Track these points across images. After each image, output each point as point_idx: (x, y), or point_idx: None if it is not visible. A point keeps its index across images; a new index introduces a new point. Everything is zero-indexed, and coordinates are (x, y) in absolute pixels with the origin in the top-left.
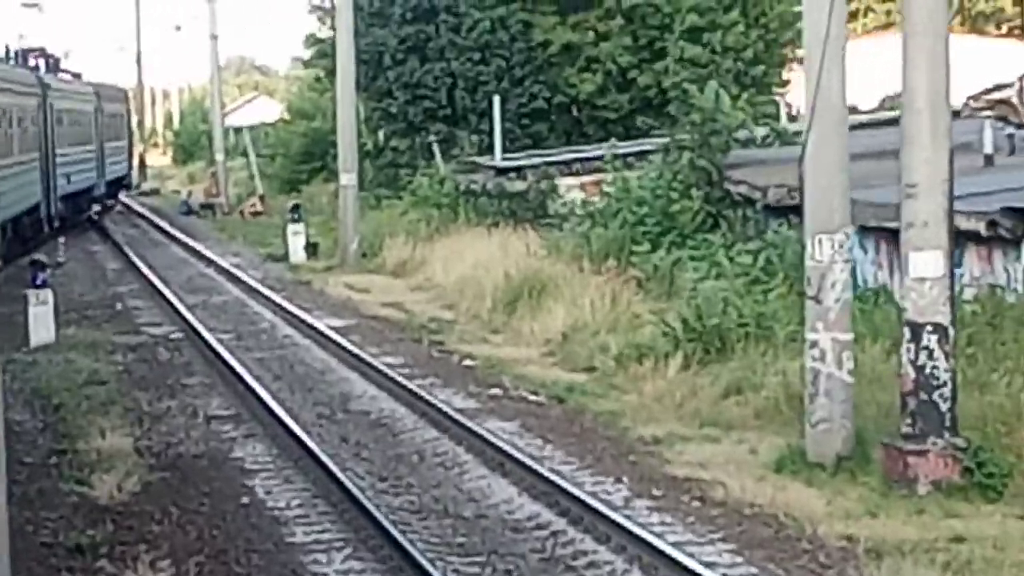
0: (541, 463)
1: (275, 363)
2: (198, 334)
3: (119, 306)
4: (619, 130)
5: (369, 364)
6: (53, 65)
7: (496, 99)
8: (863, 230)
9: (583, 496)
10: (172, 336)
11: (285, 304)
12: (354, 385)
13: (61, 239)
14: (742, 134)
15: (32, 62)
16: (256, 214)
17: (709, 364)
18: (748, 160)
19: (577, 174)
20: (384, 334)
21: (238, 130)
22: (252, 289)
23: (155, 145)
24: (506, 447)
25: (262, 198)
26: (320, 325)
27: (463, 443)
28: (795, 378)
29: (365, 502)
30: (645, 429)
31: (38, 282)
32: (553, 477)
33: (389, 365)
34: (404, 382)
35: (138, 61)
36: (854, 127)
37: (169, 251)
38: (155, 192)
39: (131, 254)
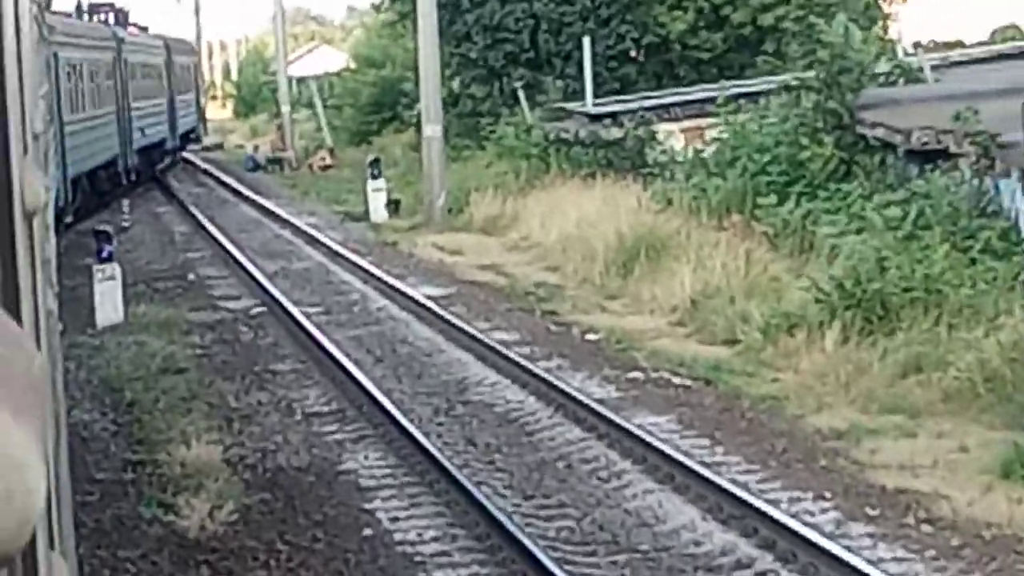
0: (718, 472)
1: (373, 342)
2: (282, 308)
3: (191, 276)
4: (712, 71)
5: (481, 342)
6: (123, 19)
7: (586, 40)
8: None
9: (787, 521)
10: (253, 311)
11: (373, 270)
12: (468, 369)
13: (125, 200)
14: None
15: (102, 16)
16: (326, 168)
17: (871, 335)
18: (879, 100)
19: (676, 119)
20: (489, 303)
21: (301, 80)
22: (334, 253)
23: (213, 98)
24: (669, 450)
25: (331, 151)
26: (417, 294)
27: (615, 445)
28: (993, 354)
29: (516, 532)
30: (819, 419)
31: (104, 255)
32: (740, 493)
33: (503, 343)
34: (526, 364)
35: (196, 12)
36: (973, 61)
37: (239, 211)
38: (218, 147)
39: (199, 215)
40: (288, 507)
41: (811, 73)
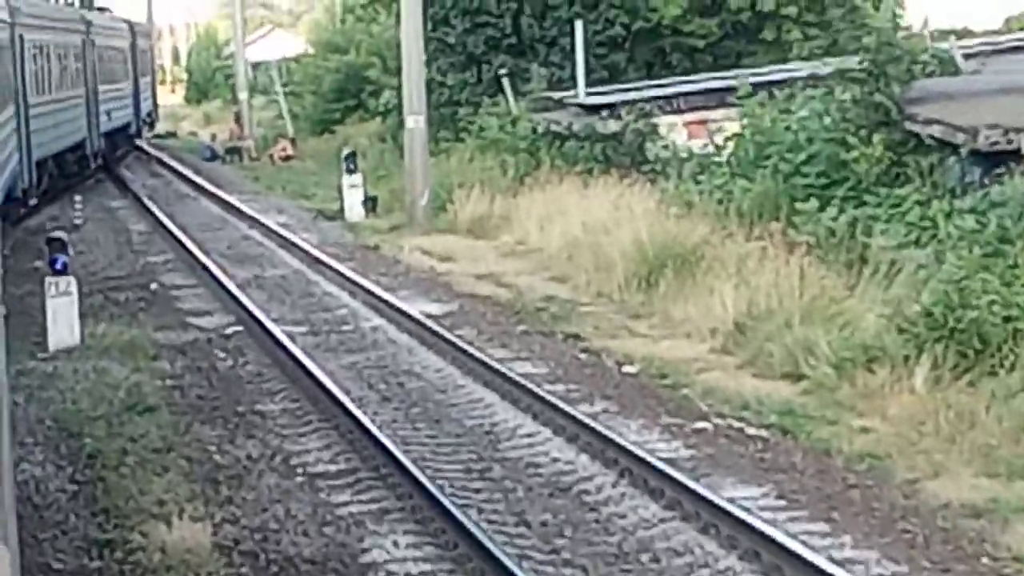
0: None
1: (374, 374)
2: (262, 327)
3: (154, 286)
4: (707, 59)
5: (504, 376)
6: (88, 1)
7: (579, 24)
8: None
9: None
10: (229, 331)
11: (359, 280)
12: (496, 412)
13: (77, 196)
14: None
15: None
16: (287, 158)
17: (967, 373)
18: (927, 94)
19: (678, 111)
20: (500, 324)
21: (256, 65)
22: (312, 258)
23: (162, 83)
24: (787, 542)
25: (293, 141)
26: (414, 311)
27: (709, 531)
28: None
29: None
30: (940, 487)
31: (58, 266)
32: None
33: (530, 378)
34: (567, 408)
35: None
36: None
37: (200, 206)
38: (171, 135)
39: (157, 212)
40: None
41: (811, 63)
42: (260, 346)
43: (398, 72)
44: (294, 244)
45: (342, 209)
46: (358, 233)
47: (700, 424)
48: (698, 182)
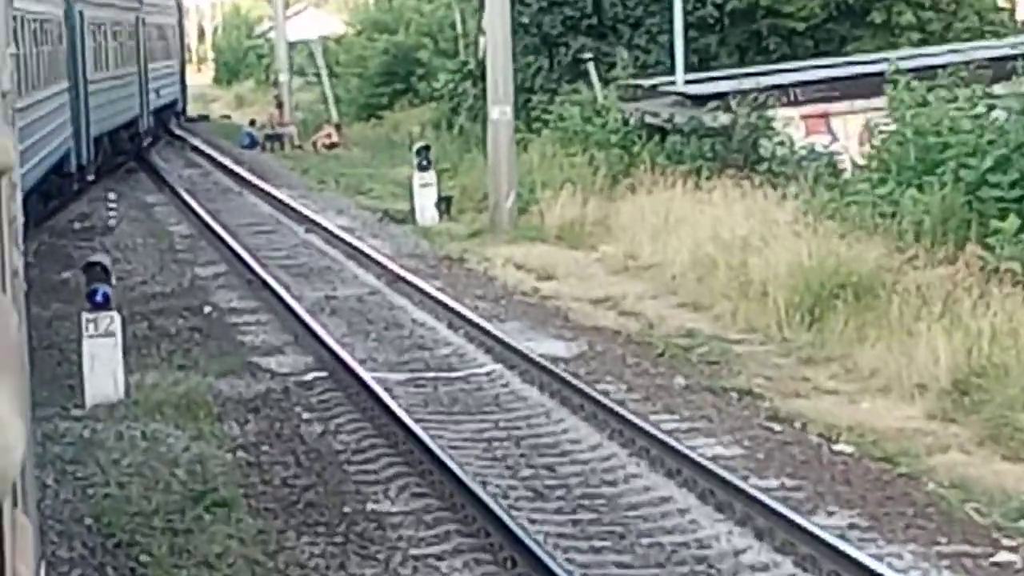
0: None
1: (511, 453)
2: (349, 371)
3: (208, 309)
4: (807, 44)
5: (693, 463)
6: None
7: (677, 2)
8: None
9: None
10: (308, 377)
11: (453, 304)
12: (701, 525)
13: (111, 194)
14: None
15: None
16: (331, 146)
17: None
18: None
19: (795, 103)
20: (648, 373)
21: (292, 45)
22: (390, 274)
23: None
24: None
25: (338, 127)
26: (535, 353)
27: None
28: None
29: None
30: None
31: (98, 299)
32: None
33: (728, 466)
34: (800, 522)
35: None
36: None
37: (247, 204)
38: (204, 119)
39: (200, 210)
40: None
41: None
42: (352, 401)
43: (453, 54)
44: (364, 254)
45: (413, 211)
46: (434, 240)
47: (996, 554)
48: (842, 190)
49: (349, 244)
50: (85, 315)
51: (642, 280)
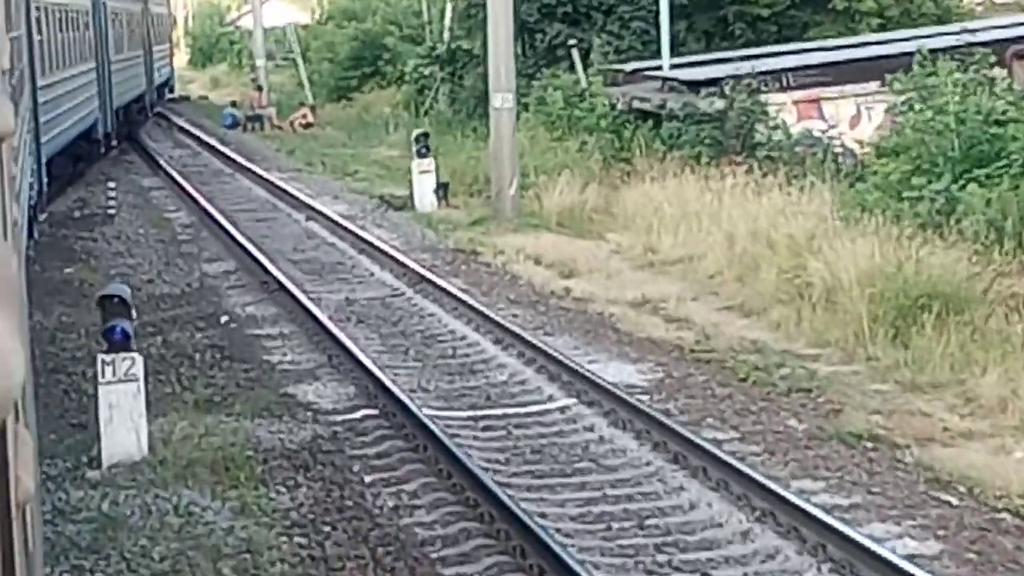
0: None
1: (640, 540)
2: (404, 409)
3: (225, 318)
4: (772, 29)
5: (886, 561)
6: None
7: None
8: None
9: None
10: (357, 415)
11: (492, 315)
12: None
13: (111, 183)
14: None
15: None
16: (307, 126)
17: None
18: None
19: (786, 88)
20: (748, 410)
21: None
22: (409, 272)
23: None
24: None
25: (313, 108)
26: (609, 383)
27: None
28: None
29: None
30: None
31: (116, 336)
32: None
33: (926, 565)
34: None
35: None
36: None
37: (241, 187)
38: (185, 99)
39: (196, 195)
40: None
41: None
42: (418, 454)
43: (419, 41)
44: (374, 247)
45: (412, 197)
46: (437, 228)
47: None
48: (879, 185)
49: (355, 235)
50: (101, 357)
51: (672, 277)
